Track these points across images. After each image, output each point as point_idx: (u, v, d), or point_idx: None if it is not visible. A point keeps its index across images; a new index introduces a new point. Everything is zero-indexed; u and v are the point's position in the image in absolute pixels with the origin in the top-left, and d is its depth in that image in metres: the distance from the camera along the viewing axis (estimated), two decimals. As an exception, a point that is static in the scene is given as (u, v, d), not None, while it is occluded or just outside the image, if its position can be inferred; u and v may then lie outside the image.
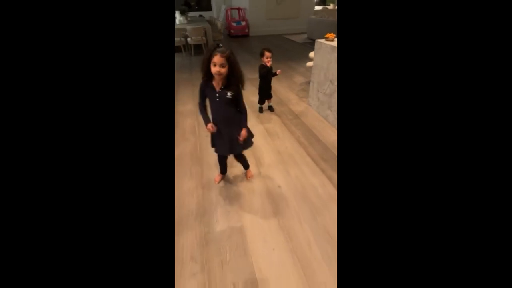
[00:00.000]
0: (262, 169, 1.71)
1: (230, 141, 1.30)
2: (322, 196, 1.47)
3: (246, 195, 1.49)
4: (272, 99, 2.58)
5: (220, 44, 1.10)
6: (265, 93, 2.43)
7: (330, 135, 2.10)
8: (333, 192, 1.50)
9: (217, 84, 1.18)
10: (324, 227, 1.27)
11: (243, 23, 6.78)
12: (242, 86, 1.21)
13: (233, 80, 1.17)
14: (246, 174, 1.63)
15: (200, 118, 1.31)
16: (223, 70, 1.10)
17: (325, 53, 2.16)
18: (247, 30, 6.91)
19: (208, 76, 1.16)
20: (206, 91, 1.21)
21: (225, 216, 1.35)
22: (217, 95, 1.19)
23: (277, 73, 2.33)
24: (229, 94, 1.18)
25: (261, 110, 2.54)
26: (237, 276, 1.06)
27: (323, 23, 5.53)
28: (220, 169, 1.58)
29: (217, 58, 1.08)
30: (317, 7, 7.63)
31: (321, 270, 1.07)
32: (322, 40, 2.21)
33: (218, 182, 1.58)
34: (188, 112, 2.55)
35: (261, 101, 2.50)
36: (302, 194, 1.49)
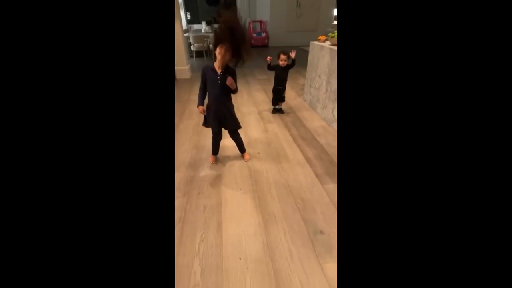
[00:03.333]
0: (247, 138, 2.05)
1: (220, 119, 1.50)
2: (291, 160, 1.76)
3: (230, 156, 1.83)
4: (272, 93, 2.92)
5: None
6: (276, 95, 2.51)
7: (314, 122, 2.38)
8: (301, 158, 1.79)
9: (218, 67, 1.36)
10: (285, 179, 1.56)
11: (263, 34, 7.35)
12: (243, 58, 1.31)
13: (239, 56, 1.28)
14: (243, 157, 1.79)
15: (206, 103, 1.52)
16: (227, 57, 1.27)
17: (316, 52, 2.49)
18: (266, 41, 7.45)
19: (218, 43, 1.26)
20: (207, 73, 1.39)
21: (208, 168, 1.69)
22: (218, 77, 1.37)
23: (291, 55, 2.31)
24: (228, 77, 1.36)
25: (273, 111, 2.64)
26: (208, 201, 1.39)
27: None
28: (213, 149, 1.72)
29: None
30: (335, 22, 7.97)
31: (274, 205, 1.36)
32: (315, 42, 2.55)
33: (214, 162, 1.74)
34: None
35: (274, 102, 2.59)
36: (275, 158, 1.80)
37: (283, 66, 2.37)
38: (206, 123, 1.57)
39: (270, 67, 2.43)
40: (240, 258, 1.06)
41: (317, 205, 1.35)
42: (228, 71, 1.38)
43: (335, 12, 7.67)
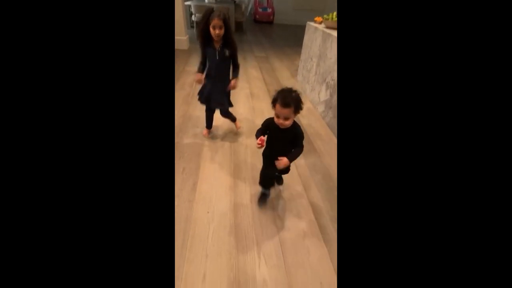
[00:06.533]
0: (234, 114, 2.15)
1: (214, 95, 1.54)
2: (271, 137, 1.89)
3: (215, 130, 1.94)
4: (267, 72, 2.95)
5: (215, 9, 1.28)
6: (269, 173, 1.23)
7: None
8: (281, 135, 1.92)
9: (216, 44, 1.39)
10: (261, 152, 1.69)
11: (269, 10, 7.09)
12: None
13: (229, 40, 1.36)
14: (235, 125, 1.87)
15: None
16: (221, 32, 1.30)
17: (310, 33, 2.50)
18: (272, 17, 7.21)
19: (206, 39, 1.34)
20: (207, 51, 1.41)
21: (192, 137, 1.81)
22: (217, 53, 1.38)
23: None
24: (227, 52, 1.41)
25: (261, 199, 1.31)
26: (187, 165, 1.53)
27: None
28: (206, 123, 1.77)
29: (215, 22, 1.26)
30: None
31: (246, 172, 1.50)
32: (311, 23, 2.54)
33: (208, 135, 1.80)
34: (194, 72, 3.03)
35: (264, 182, 1.28)
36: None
37: (282, 126, 1.01)
38: (199, 97, 1.61)
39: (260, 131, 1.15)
40: (208, 212, 1.22)
41: (285, 176, 1.49)
42: (227, 45, 1.40)
43: (346, -8, 7.34)
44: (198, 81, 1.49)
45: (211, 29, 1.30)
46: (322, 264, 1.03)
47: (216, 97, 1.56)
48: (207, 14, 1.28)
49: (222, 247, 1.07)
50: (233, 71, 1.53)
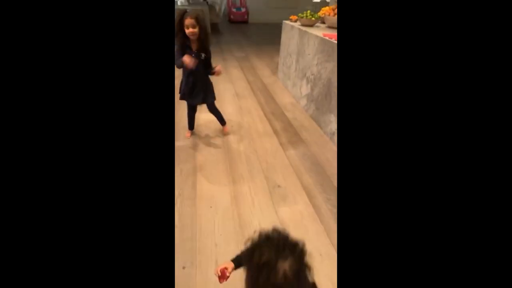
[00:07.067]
0: (222, 114, 2.23)
1: (196, 94, 1.62)
2: (261, 132, 1.99)
3: (204, 130, 2.01)
4: (249, 71, 3.05)
5: (187, 10, 1.38)
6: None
7: (284, 98, 2.60)
8: (269, 129, 2.03)
9: (193, 46, 1.46)
10: (253, 147, 1.79)
11: (243, 9, 7.17)
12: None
13: (205, 43, 1.45)
14: (223, 130, 1.92)
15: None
16: (196, 30, 1.35)
17: (287, 31, 2.63)
18: (246, 17, 7.30)
19: (182, 40, 1.40)
20: (185, 51, 1.44)
21: (184, 139, 1.88)
22: (193, 55, 1.43)
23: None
24: (203, 56, 1.48)
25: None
26: (184, 166, 1.59)
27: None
28: (189, 124, 1.84)
29: (188, 21, 1.32)
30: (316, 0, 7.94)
31: (242, 167, 1.60)
32: (287, 21, 2.67)
33: (190, 136, 1.87)
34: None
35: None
36: (247, 130, 2.02)
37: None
38: (183, 97, 1.67)
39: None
40: (211, 207, 1.30)
41: (278, 167, 1.61)
42: (203, 49, 1.48)
43: (315, -11, 7.60)
44: (189, 61, 1.40)
45: (185, 29, 1.35)
46: (320, 239, 1.15)
47: (197, 94, 1.63)
48: (180, 16, 1.33)
49: (229, 235, 1.16)
50: (207, 69, 1.60)
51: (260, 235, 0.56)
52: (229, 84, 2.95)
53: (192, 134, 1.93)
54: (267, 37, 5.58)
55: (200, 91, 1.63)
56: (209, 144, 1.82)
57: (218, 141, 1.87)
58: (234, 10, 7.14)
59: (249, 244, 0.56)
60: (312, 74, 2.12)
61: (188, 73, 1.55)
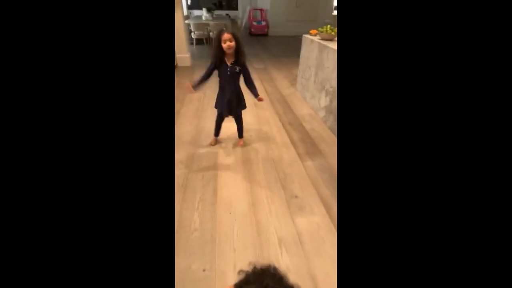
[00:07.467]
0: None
1: (230, 106, 1.73)
2: (279, 142, 2.04)
3: (225, 139, 2.10)
4: (268, 82, 3.13)
5: (224, 28, 1.49)
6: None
7: (303, 109, 2.64)
8: (287, 140, 2.07)
9: (228, 60, 1.56)
10: (271, 157, 1.84)
11: (263, 23, 7.41)
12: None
13: (241, 57, 1.54)
14: (238, 142, 1.99)
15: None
16: (232, 44, 1.47)
17: (307, 45, 2.70)
18: (266, 30, 7.52)
19: (219, 57, 1.51)
20: (219, 67, 1.57)
21: (207, 147, 1.97)
22: (228, 69, 1.55)
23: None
24: (237, 69, 1.59)
25: None
26: (205, 172, 1.67)
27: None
28: (215, 131, 1.94)
29: (225, 36, 1.45)
30: (335, 12, 8.03)
31: (260, 176, 1.65)
32: (307, 35, 2.75)
33: (214, 144, 1.96)
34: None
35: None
36: (265, 139, 2.07)
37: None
38: (216, 105, 1.79)
39: None
40: (230, 213, 1.36)
41: (296, 177, 1.64)
42: (238, 63, 1.58)
43: (335, 2, 7.70)
44: (188, 89, 1.59)
45: (222, 44, 1.47)
46: (336, 250, 1.16)
47: (229, 105, 1.73)
48: (219, 32, 1.48)
49: (247, 241, 1.20)
50: (251, 88, 1.72)
51: (254, 270, 0.52)
52: (248, 95, 3.04)
53: (216, 142, 2.01)
54: (285, 49, 5.70)
55: (233, 102, 1.74)
56: (229, 152, 1.90)
57: (238, 149, 1.94)
58: (255, 23, 7.40)
59: (242, 275, 0.52)
60: (331, 87, 2.16)
61: (223, 85, 1.66)
